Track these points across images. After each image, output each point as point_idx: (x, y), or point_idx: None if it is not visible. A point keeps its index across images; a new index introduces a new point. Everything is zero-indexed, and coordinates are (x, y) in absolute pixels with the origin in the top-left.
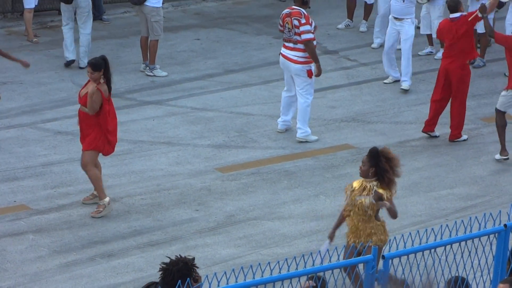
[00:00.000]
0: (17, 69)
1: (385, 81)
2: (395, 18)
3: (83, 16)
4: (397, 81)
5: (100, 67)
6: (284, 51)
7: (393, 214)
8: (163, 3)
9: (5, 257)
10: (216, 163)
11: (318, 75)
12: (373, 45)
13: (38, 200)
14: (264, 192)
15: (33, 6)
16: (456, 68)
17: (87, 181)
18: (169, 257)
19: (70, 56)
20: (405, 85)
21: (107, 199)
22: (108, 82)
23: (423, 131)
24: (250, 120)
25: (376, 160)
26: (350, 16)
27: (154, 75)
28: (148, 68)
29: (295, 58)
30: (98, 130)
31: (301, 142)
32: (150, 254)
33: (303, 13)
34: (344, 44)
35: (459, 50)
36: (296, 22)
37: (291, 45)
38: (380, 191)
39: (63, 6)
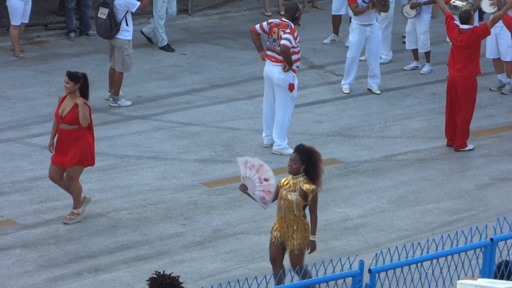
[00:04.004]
0: (3, 84)
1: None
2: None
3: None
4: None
5: (78, 79)
6: (268, 61)
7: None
8: (149, 19)
9: None
10: (202, 178)
11: (285, 70)
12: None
13: (25, 215)
14: (250, 206)
15: (19, 23)
16: (461, 79)
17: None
18: (157, 272)
19: None
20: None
21: (81, 209)
22: (86, 98)
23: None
24: (236, 134)
25: (308, 157)
26: (336, 31)
27: (119, 106)
28: (112, 99)
29: (277, 69)
30: (81, 143)
31: (278, 154)
32: (137, 268)
33: (291, 26)
34: (330, 59)
35: (463, 61)
36: (281, 33)
37: (274, 54)
38: (307, 186)
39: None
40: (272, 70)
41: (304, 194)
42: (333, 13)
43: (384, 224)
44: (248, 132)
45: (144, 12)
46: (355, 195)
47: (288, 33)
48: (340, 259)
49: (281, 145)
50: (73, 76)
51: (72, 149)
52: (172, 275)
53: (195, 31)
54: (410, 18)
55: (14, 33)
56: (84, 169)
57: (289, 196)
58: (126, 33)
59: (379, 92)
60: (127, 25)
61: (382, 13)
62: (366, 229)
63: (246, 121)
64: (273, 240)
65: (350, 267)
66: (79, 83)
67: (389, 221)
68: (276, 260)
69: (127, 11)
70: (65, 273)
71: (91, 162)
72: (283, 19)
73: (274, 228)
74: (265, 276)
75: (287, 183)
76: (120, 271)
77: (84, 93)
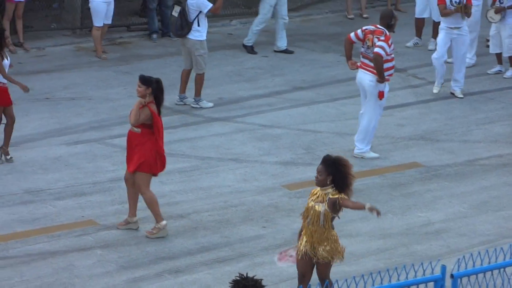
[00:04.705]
0: (86, 85)
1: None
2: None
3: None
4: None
5: (149, 83)
6: (360, 69)
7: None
8: (231, 21)
9: (73, 272)
10: (283, 180)
11: (379, 82)
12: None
13: (106, 216)
14: None
15: (101, 24)
16: None
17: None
18: (240, 274)
19: None
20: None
21: (163, 222)
22: (158, 104)
23: None
24: (317, 137)
25: (334, 168)
26: (419, 34)
27: (201, 107)
28: (194, 100)
29: (369, 77)
30: (144, 148)
31: (359, 158)
32: (217, 270)
33: (385, 33)
34: (413, 62)
35: None
36: (375, 40)
37: (366, 61)
38: (335, 195)
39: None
40: (364, 77)
41: (332, 204)
42: (416, 16)
43: (466, 229)
44: (329, 135)
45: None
46: (437, 200)
47: (382, 40)
48: (422, 264)
49: (362, 148)
50: (144, 80)
51: (136, 154)
52: (255, 277)
53: None
54: (495, 22)
55: (96, 34)
56: (165, 170)
57: (316, 207)
58: (197, 33)
59: (462, 96)
60: (199, 25)
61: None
62: (448, 234)
63: (328, 123)
64: (301, 255)
65: (432, 271)
66: (151, 87)
67: (471, 226)
68: (305, 276)
69: (200, 12)
70: (146, 274)
71: (155, 169)
72: (378, 25)
73: (301, 243)
74: (346, 280)
75: (316, 193)
76: (200, 272)
77: (158, 98)
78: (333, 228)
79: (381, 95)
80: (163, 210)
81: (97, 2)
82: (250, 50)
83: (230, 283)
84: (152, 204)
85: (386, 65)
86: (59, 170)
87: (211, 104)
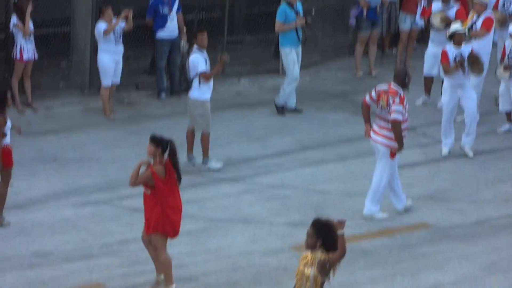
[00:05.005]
0: (94, 145)
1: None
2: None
3: None
4: None
5: (158, 144)
6: (373, 131)
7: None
8: (240, 79)
9: None
10: (292, 242)
11: (398, 151)
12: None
13: (114, 278)
14: (340, 271)
15: (110, 83)
16: None
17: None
18: None
19: None
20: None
21: (173, 286)
22: (175, 166)
23: None
24: (327, 198)
25: (323, 232)
26: (428, 92)
27: (209, 168)
28: (202, 162)
29: (380, 139)
30: (156, 210)
31: (370, 219)
32: None
33: (400, 94)
34: (422, 120)
35: None
36: (390, 101)
37: (381, 123)
38: (324, 257)
39: None
40: (376, 139)
41: (321, 266)
42: (424, 74)
43: None
44: (338, 196)
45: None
46: (447, 261)
47: (397, 103)
48: None
49: (371, 209)
50: (155, 140)
51: (151, 216)
52: None
53: None
54: (504, 79)
55: (105, 94)
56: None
57: (305, 270)
58: (196, 92)
59: (471, 155)
60: (199, 84)
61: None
62: None
63: (337, 184)
64: None
65: None
66: (161, 147)
67: (480, 287)
68: None
69: None
70: None
71: (171, 233)
72: (392, 85)
73: None
74: None
75: (306, 257)
76: None
77: (173, 159)
78: None
79: (392, 155)
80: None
81: (105, 61)
82: (280, 110)
83: None
84: (166, 267)
85: (402, 126)
86: (67, 232)
87: (219, 165)
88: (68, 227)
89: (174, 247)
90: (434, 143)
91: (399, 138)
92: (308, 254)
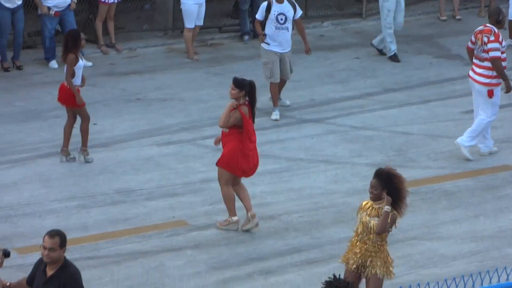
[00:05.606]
0: (177, 86)
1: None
2: None
3: None
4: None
5: (242, 87)
6: (471, 70)
7: (382, 225)
8: (323, 22)
9: (163, 272)
10: None
11: (507, 92)
12: None
13: (197, 216)
14: (422, 212)
15: (193, 26)
16: None
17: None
18: (334, 275)
19: None
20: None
21: (235, 218)
22: (251, 107)
23: None
24: (409, 139)
25: (389, 182)
26: None
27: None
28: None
29: (478, 78)
30: (229, 147)
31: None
32: (308, 272)
33: (494, 31)
34: (507, 64)
35: None
36: (485, 39)
37: (477, 62)
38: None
39: None
40: (474, 77)
41: (389, 202)
42: (510, 17)
43: None
44: (421, 137)
45: None
46: None
47: (492, 41)
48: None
49: (465, 142)
50: (238, 83)
51: (224, 152)
52: (347, 279)
53: (369, 35)
54: None
55: (188, 36)
56: (256, 171)
57: (372, 222)
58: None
59: None
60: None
61: None
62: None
63: (419, 126)
64: (351, 268)
65: None
66: (244, 90)
67: None
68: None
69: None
70: (236, 275)
71: (234, 170)
72: (487, 24)
73: (349, 255)
74: (437, 283)
75: (369, 207)
76: (290, 274)
77: (251, 100)
78: (386, 244)
79: (490, 93)
80: (254, 211)
81: (189, 4)
82: (394, 58)
83: (323, 284)
84: (227, 200)
85: None
86: (150, 170)
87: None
88: (151, 165)
89: (257, 186)
90: None
91: (502, 74)
92: (370, 204)
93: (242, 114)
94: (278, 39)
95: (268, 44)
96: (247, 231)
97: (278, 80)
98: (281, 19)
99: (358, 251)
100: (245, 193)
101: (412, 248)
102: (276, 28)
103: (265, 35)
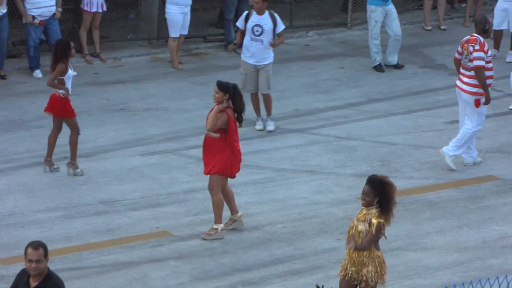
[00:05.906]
0: (161, 96)
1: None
2: None
3: None
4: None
5: (226, 90)
6: (458, 80)
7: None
8: (308, 32)
9: (146, 283)
10: (358, 193)
11: (485, 103)
12: None
13: (180, 227)
14: (406, 222)
15: (177, 35)
16: None
17: (228, 208)
18: (317, 285)
19: None
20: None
21: (221, 225)
22: (238, 113)
23: None
24: (393, 149)
25: (381, 190)
26: (497, 46)
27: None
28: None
29: (465, 87)
30: (224, 153)
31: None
32: (291, 283)
33: (480, 40)
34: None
35: None
36: (470, 48)
37: (464, 71)
38: (375, 220)
39: None
40: (461, 86)
41: (378, 228)
42: (494, 27)
43: None
44: (405, 147)
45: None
46: None
47: (478, 50)
48: (497, 278)
49: (450, 152)
50: (222, 86)
51: (214, 158)
52: None
53: (354, 44)
54: None
55: (172, 45)
56: (240, 181)
57: (359, 226)
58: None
59: None
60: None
61: None
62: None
63: (404, 136)
64: (344, 277)
65: (508, 286)
66: (228, 93)
67: None
68: None
69: None
70: (219, 285)
71: (230, 172)
72: (474, 34)
73: (344, 264)
74: None
75: (362, 212)
76: (274, 284)
77: (237, 104)
78: (378, 249)
79: (476, 103)
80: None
81: (174, 13)
82: (378, 68)
83: None
84: (218, 207)
85: (486, 73)
86: (134, 181)
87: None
88: (135, 175)
89: (241, 197)
90: (503, 97)
91: (483, 84)
92: (364, 210)
93: (229, 116)
94: (252, 50)
95: (238, 54)
96: (231, 229)
97: (250, 92)
98: (257, 31)
99: (349, 259)
100: (232, 195)
101: (395, 259)
102: (251, 39)
103: (235, 44)
